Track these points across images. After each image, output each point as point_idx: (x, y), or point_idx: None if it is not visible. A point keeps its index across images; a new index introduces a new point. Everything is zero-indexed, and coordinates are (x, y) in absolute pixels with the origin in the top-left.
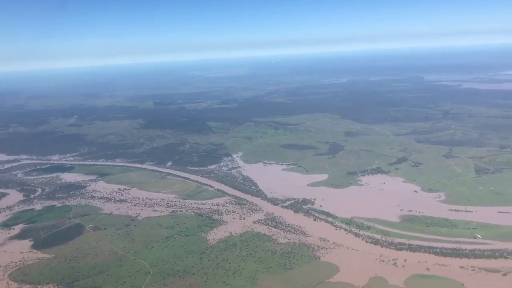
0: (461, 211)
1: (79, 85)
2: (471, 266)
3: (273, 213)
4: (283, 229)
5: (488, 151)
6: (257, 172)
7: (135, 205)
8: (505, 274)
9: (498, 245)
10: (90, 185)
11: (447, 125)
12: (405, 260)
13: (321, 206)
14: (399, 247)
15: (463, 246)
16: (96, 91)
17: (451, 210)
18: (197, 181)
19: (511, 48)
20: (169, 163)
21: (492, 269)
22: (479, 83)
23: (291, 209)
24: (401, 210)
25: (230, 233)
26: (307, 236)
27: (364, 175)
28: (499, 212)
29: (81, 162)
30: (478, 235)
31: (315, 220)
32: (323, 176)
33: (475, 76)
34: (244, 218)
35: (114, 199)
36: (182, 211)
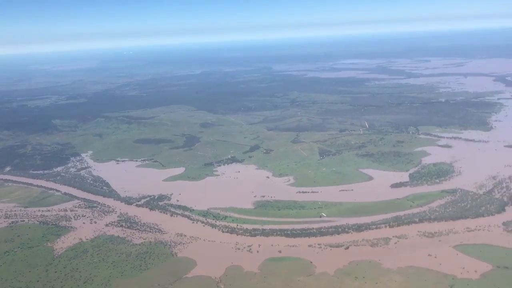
0: (308, 192)
1: None
2: (318, 244)
3: (127, 213)
4: (138, 229)
5: (329, 134)
6: (109, 171)
7: None
8: (347, 248)
9: (341, 221)
10: None
11: (294, 112)
12: (259, 245)
13: (178, 200)
14: (253, 233)
15: (311, 226)
16: None
17: (300, 192)
18: (41, 186)
19: (348, 39)
20: (8, 169)
21: (336, 244)
22: (321, 72)
23: (146, 207)
24: (255, 196)
25: (80, 239)
26: (164, 233)
27: (220, 165)
28: (340, 190)
29: None
30: (324, 214)
31: (171, 215)
32: (180, 170)
33: (318, 65)
34: (96, 222)
35: None
36: (23, 221)
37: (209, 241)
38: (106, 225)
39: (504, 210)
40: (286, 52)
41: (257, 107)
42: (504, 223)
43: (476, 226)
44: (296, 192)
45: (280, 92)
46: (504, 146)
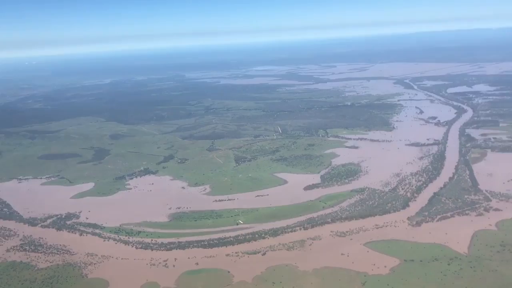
0: (225, 200)
1: None
2: (236, 252)
3: (31, 235)
4: (43, 252)
5: (244, 141)
6: (8, 191)
7: None
8: (264, 254)
9: (257, 227)
10: None
11: (209, 120)
12: (175, 259)
13: (87, 218)
14: (169, 247)
15: (228, 234)
16: None
17: (216, 201)
18: None
19: (258, 46)
20: None
21: (253, 251)
22: (234, 79)
23: (53, 227)
24: (170, 208)
25: None
26: (73, 254)
27: (132, 178)
28: (256, 196)
29: None
30: (240, 221)
31: (81, 235)
32: (89, 185)
33: (231, 72)
34: None
35: None
36: None
37: (122, 259)
38: (7, 250)
39: (408, 205)
40: (199, 59)
41: (171, 116)
42: (408, 218)
43: (384, 223)
44: (213, 201)
45: (193, 100)
46: (405, 144)
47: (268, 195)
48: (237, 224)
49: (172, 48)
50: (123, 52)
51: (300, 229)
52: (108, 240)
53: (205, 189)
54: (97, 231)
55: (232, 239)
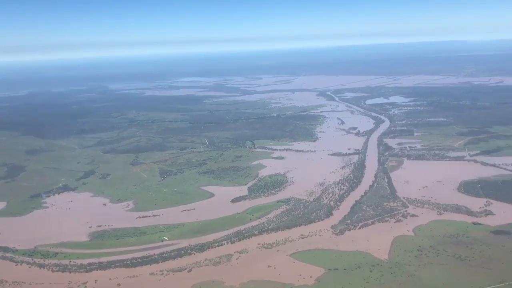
0: (149, 216)
1: None
2: (160, 271)
3: None
4: None
5: (170, 154)
6: None
7: None
8: (190, 271)
9: (183, 243)
10: None
11: (133, 132)
12: (95, 281)
13: None
14: (89, 268)
15: (152, 252)
16: None
17: (140, 217)
18: None
19: (185, 57)
20: None
21: (178, 268)
22: (160, 90)
23: None
24: (90, 227)
25: None
26: None
27: (49, 196)
28: (182, 210)
29: None
30: (165, 238)
31: None
32: (0, 205)
33: (156, 84)
34: None
35: None
36: None
37: (36, 284)
38: None
39: (331, 214)
40: (123, 70)
41: (92, 129)
42: (332, 227)
43: (309, 232)
44: (136, 218)
45: (116, 112)
46: (328, 154)
47: (194, 209)
48: (162, 241)
49: (94, 58)
50: (39, 63)
51: (227, 243)
52: (21, 264)
53: (128, 205)
54: (8, 254)
55: (156, 257)
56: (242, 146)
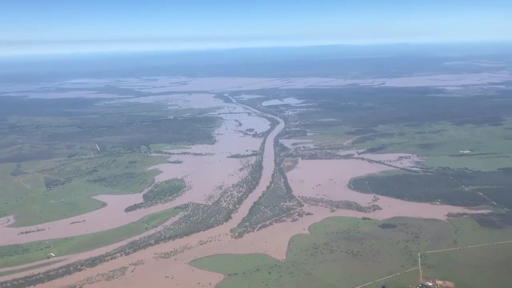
0: (33, 231)
1: None
2: None
3: None
4: None
5: (57, 161)
6: None
7: None
8: None
9: (72, 259)
10: None
11: (14, 139)
12: None
13: None
14: None
15: (37, 271)
16: None
17: (22, 233)
18: None
19: (74, 57)
20: None
21: (67, 286)
22: (45, 92)
23: None
24: None
25: None
26: None
27: None
28: (71, 223)
29: None
30: (52, 254)
31: None
32: None
33: (42, 86)
34: None
35: None
36: None
37: None
38: None
39: (230, 217)
40: (2, 71)
41: None
42: (231, 230)
43: (208, 238)
44: (18, 234)
45: None
46: (227, 156)
47: (84, 221)
48: (48, 258)
49: None
50: None
51: (121, 255)
52: None
53: (8, 220)
54: None
55: (42, 276)
56: (136, 151)
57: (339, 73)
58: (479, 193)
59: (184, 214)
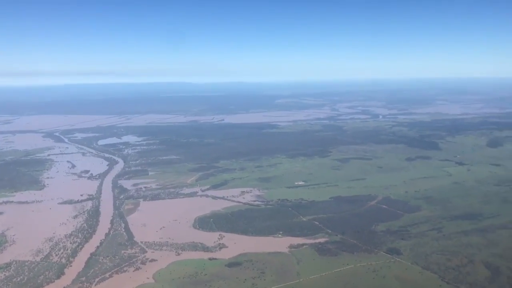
0: None
1: None
2: None
3: None
4: None
5: None
6: None
7: None
8: None
9: None
10: None
11: None
12: None
13: None
14: None
15: None
16: None
17: None
18: None
19: None
20: None
21: None
22: None
23: None
24: None
25: None
26: None
27: None
28: None
29: None
30: None
31: None
32: None
33: None
34: None
35: None
36: None
37: None
38: None
39: (63, 273)
40: None
41: None
42: None
43: None
44: None
45: None
46: (58, 203)
47: None
48: None
49: None
50: None
51: None
52: None
53: None
54: None
55: None
56: None
57: (179, 109)
58: (315, 222)
59: (5, 275)
